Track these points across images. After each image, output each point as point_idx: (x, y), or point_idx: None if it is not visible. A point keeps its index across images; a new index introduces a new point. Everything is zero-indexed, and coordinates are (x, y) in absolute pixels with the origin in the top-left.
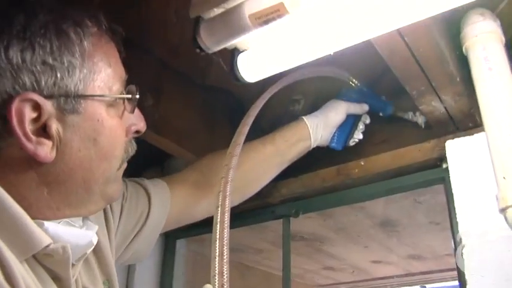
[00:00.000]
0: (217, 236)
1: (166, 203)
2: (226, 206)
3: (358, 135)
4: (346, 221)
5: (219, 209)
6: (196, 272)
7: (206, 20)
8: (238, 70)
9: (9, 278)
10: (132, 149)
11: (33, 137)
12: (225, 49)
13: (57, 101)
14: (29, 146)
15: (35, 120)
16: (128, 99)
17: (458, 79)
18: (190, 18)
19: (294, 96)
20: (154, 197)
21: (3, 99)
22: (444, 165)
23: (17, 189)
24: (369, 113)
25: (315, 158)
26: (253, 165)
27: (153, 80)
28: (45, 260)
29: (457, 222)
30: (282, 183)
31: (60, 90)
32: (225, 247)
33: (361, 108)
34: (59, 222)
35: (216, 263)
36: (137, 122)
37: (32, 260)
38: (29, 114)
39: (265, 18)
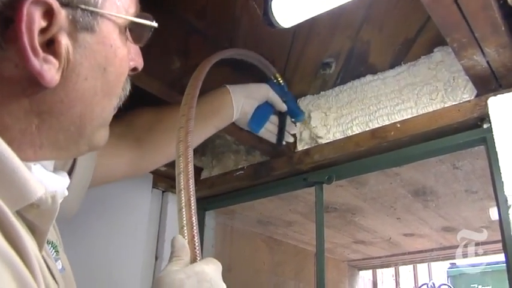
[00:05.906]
0: (182, 187)
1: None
2: (189, 156)
3: (293, 129)
4: (379, 190)
5: (181, 159)
6: (225, 245)
7: None
8: (272, 14)
9: (18, 250)
10: (128, 88)
11: (40, 52)
12: None
13: (73, 12)
14: (35, 62)
15: (42, 32)
16: (143, 26)
17: (503, 28)
18: None
19: (325, 59)
20: None
21: None
22: (485, 125)
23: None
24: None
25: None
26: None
27: (180, 42)
28: (29, 212)
29: (502, 183)
30: (314, 149)
31: None
32: (192, 197)
33: (281, 105)
34: (34, 165)
35: (184, 213)
36: (136, 57)
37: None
38: (39, 21)
39: None
